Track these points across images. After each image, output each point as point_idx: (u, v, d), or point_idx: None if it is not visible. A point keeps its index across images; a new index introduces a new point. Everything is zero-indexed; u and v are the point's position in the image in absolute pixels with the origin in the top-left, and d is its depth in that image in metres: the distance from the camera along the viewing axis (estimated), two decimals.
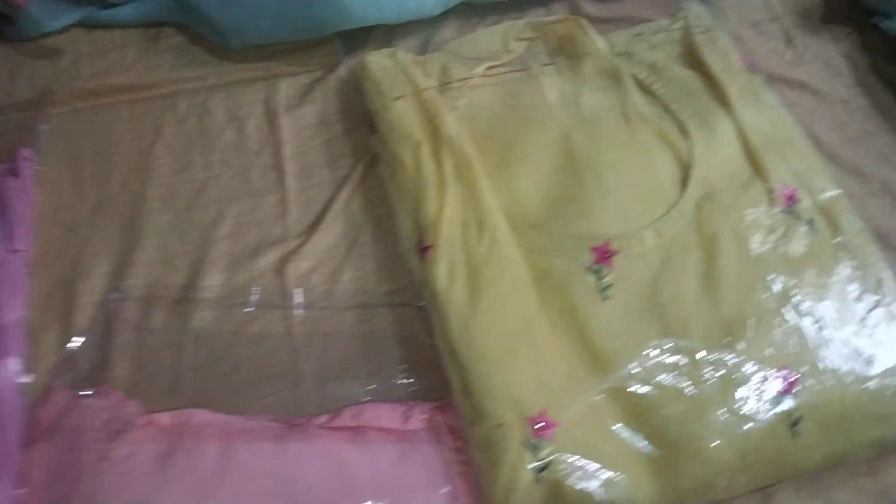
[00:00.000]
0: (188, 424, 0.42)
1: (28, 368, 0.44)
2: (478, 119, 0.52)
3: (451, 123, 0.50)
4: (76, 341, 0.46)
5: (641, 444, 0.40)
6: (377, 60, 0.55)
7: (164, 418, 0.42)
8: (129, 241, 0.51)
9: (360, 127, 0.56)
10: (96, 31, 0.62)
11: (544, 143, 0.50)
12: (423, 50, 0.59)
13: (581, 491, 0.38)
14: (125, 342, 0.47)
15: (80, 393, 0.43)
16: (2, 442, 0.39)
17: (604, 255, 0.44)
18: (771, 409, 0.41)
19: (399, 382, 0.45)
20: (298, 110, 0.57)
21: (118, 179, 0.54)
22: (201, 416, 0.42)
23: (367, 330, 0.48)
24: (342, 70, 0.58)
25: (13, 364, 0.42)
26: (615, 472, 0.39)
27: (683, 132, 0.50)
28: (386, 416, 0.42)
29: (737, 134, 0.50)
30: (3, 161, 0.51)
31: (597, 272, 0.44)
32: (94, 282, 0.49)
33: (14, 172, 0.50)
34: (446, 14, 0.60)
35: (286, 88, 0.58)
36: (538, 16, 0.61)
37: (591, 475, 0.38)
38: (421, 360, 0.46)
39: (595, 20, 0.59)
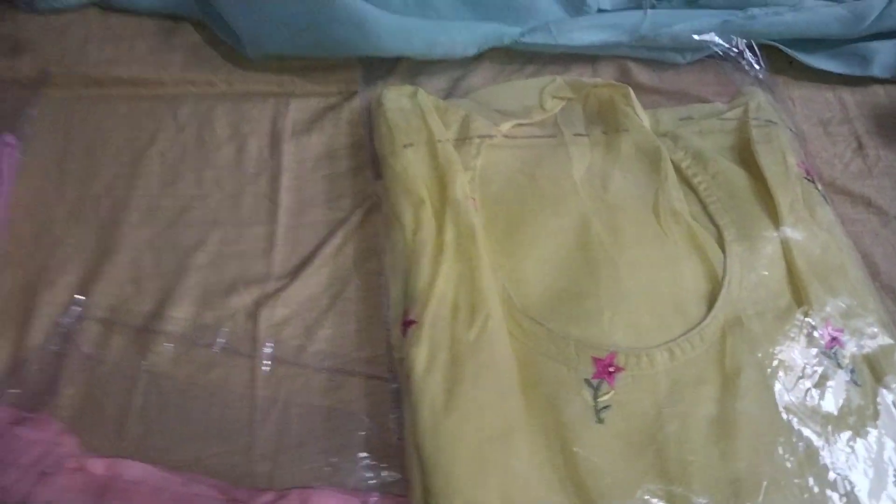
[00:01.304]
0: (119, 479, 0.38)
1: None
2: (492, 184, 0.47)
3: (462, 186, 0.45)
4: (29, 358, 0.43)
5: None
6: (394, 98, 0.51)
7: (97, 466, 0.38)
8: (102, 252, 0.47)
9: (367, 167, 0.52)
10: (112, 14, 0.59)
11: (560, 225, 0.45)
12: (449, 93, 0.55)
13: None
14: (76, 367, 0.43)
15: (19, 416, 0.40)
16: None
17: (606, 370, 0.40)
18: None
19: (359, 468, 0.41)
20: (305, 137, 0.53)
21: (103, 182, 0.50)
22: (136, 469, 0.39)
23: (335, 400, 0.44)
24: (358, 100, 0.54)
25: None
26: None
27: (720, 240, 0.45)
28: None
29: (781, 253, 0.45)
30: None
31: (595, 387, 0.40)
32: (58, 291, 0.46)
33: None
34: (481, 57, 0.56)
35: (296, 110, 0.54)
36: (582, 74, 0.56)
37: None
38: (387, 447, 0.42)
39: (644, 89, 0.54)
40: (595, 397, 0.40)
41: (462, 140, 0.49)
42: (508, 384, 0.40)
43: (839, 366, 0.41)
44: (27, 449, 0.39)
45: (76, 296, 0.45)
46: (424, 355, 0.40)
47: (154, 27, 0.58)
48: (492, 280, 0.43)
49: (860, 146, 0.55)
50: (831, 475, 0.38)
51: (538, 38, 0.54)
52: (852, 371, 0.41)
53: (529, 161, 0.49)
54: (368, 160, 0.51)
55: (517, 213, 0.46)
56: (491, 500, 0.36)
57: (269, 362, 0.45)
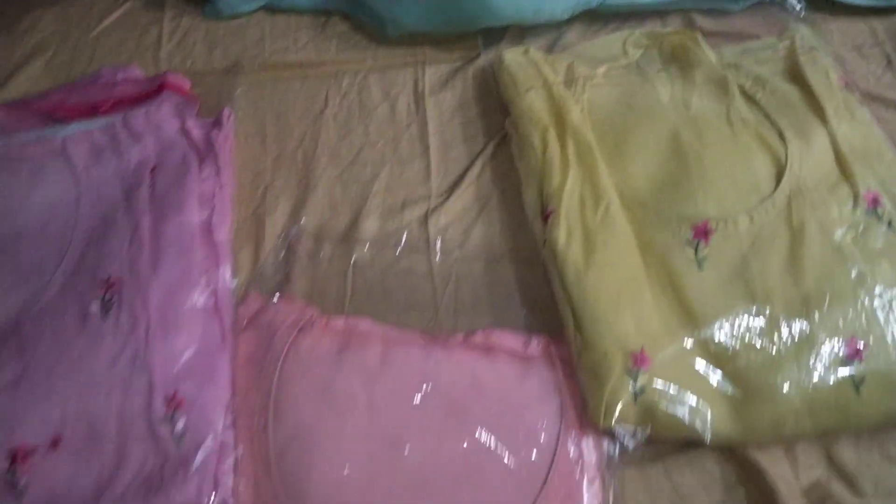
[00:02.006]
0: (356, 329, 0.53)
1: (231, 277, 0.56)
2: (597, 113, 0.61)
3: (576, 114, 0.60)
4: (266, 261, 0.58)
5: (723, 385, 0.49)
6: (512, 56, 0.65)
7: (338, 322, 0.54)
8: (303, 188, 0.63)
9: (493, 112, 0.66)
10: (277, 14, 0.75)
11: (655, 137, 0.59)
12: (550, 50, 0.69)
13: (670, 414, 0.47)
14: (302, 266, 0.58)
15: (271, 298, 0.56)
16: (223, 327, 0.52)
17: (702, 233, 0.53)
18: (838, 370, 0.48)
19: (519, 319, 0.55)
20: (441, 94, 0.68)
21: (294, 139, 0.66)
22: (366, 324, 0.54)
23: (493, 277, 0.58)
24: (480, 62, 0.69)
25: (226, 271, 0.54)
26: (700, 403, 0.48)
27: (781, 138, 0.58)
28: (510, 340, 0.53)
29: (830, 143, 0.57)
30: (208, 117, 0.64)
31: (695, 246, 0.53)
32: (277, 217, 0.61)
33: (218, 125, 0.62)
34: (573, 19, 0.70)
35: (431, 75, 0.69)
36: (655, 27, 0.70)
37: (680, 402, 0.47)
38: (537, 304, 0.56)
39: (707, 34, 0.67)
40: (695, 253, 0.53)
41: (569, 82, 0.63)
42: (629, 249, 0.54)
43: (879, 220, 0.54)
44: (286, 314, 0.54)
45: (293, 220, 0.61)
46: (564, 234, 0.54)
47: (311, 22, 0.74)
48: (608, 179, 0.57)
49: (889, 63, 0.68)
50: (877, 290, 0.51)
51: (619, 0, 0.69)
52: (889, 224, 0.54)
53: (624, 93, 0.63)
54: (494, 106, 0.66)
55: (621, 131, 0.60)
56: (627, 325, 0.50)
57: (440, 255, 0.59)
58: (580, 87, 0.63)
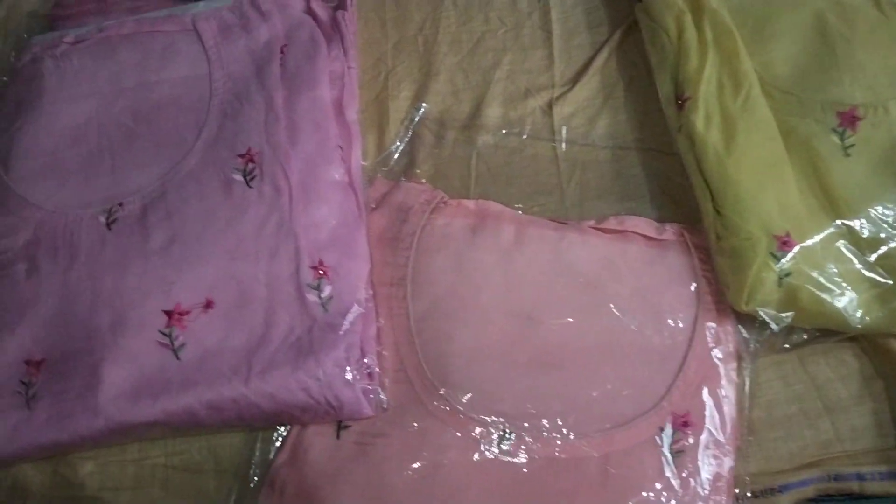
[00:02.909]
0: (488, 210, 0.53)
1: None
2: None
3: None
4: (390, 145, 0.59)
5: (870, 272, 0.48)
6: None
7: (469, 203, 0.54)
8: (425, 74, 0.62)
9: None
10: None
11: (799, 20, 0.56)
12: None
13: (816, 299, 0.46)
14: (426, 151, 0.59)
15: (398, 181, 0.56)
16: (358, 202, 0.52)
17: (849, 120, 0.51)
18: None
19: (650, 207, 0.55)
20: None
21: (414, 25, 0.65)
22: (496, 206, 0.54)
23: (619, 166, 0.57)
24: None
25: (357, 149, 0.55)
26: (846, 290, 0.47)
27: None
28: (644, 225, 0.52)
29: None
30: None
31: (840, 134, 0.51)
32: (400, 102, 0.61)
33: (342, 6, 0.61)
34: None
35: None
36: None
37: (826, 288, 0.47)
38: (666, 192, 0.55)
39: None
40: (841, 140, 0.51)
41: None
42: (772, 133, 0.52)
43: None
44: (418, 194, 0.54)
45: (415, 106, 0.61)
46: (702, 119, 0.53)
47: None
48: (748, 64, 0.54)
49: None
50: None
51: None
52: None
53: None
54: None
55: (761, 15, 0.57)
56: (771, 208, 0.49)
57: (564, 143, 0.59)
58: None
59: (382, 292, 0.51)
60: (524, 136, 0.59)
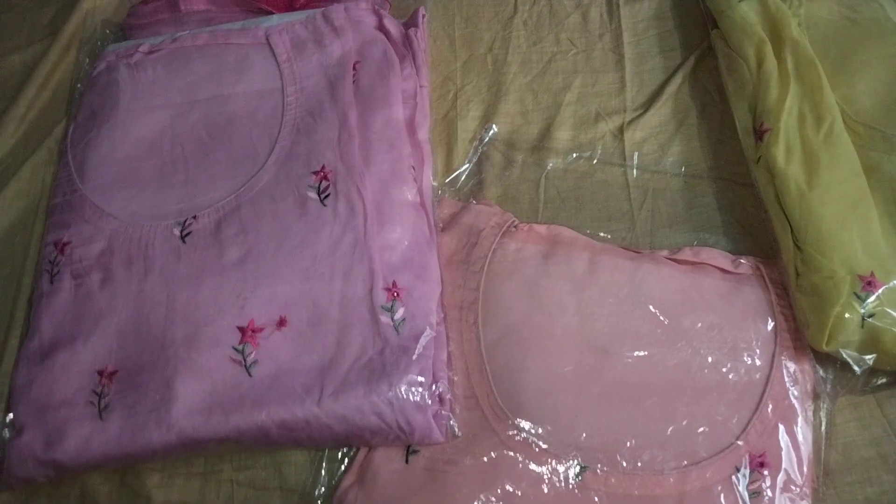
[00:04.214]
0: (560, 236, 0.53)
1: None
2: (816, 28, 0.57)
3: (794, 28, 0.56)
4: (459, 166, 0.58)
5: None
6: None
7: (541, 228, 0.53)
8: (494, 94, 0.62)
9: (691, 24, 0.63)
10: None
11: (883, 54, 0.55)
12: None
13: None
14: (495, 173, 0.58)
15: (467, 202, 0.55)
16: (430, 223, 0.52)
17: None
18: None
19: (720, 238, 0.54)
20: (636, 4, 0.65)
21: (484, 44, 0.64)
22: (569, 232, 0.53)
23: (692, 195, 0.56)
24: None
25: (428, 169, 0.54)
26: None
27: None
28: (720, 258, 0.51)
29: None
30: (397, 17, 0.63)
31: None
32: (468, 122, 0.61)
33: (414, 24, 0.61)
34: None
35: None
36: None
37: None
38: (740, 223, 0.54)
39: None
40: None
41: None
42: (855, 169, 0.51)
43: None
44: (490, 216, 0.54)
45: (484, 126, 0.60)
46: (783, 151, 0.52)
47: None
48: (831, 97, 0.53)
49: None
50: None
51: None
52: None
53: (846, 8, 0.58)
54: (693, 18, 0.63)
55: (845, 47, 0.56)
56: (855, 245, 0.48)
57: (636, 169, 0.58)
58: (797, 0, 0.59)
59: (452, 316, 0.50)
60: (595, 161, 0.58)
